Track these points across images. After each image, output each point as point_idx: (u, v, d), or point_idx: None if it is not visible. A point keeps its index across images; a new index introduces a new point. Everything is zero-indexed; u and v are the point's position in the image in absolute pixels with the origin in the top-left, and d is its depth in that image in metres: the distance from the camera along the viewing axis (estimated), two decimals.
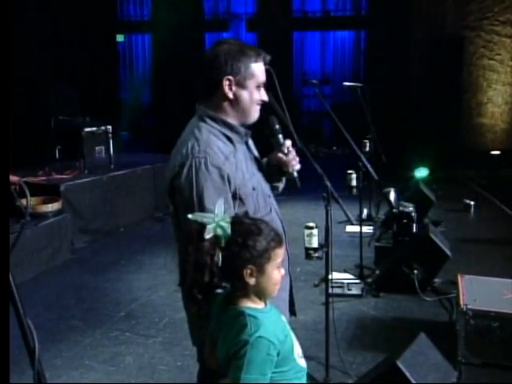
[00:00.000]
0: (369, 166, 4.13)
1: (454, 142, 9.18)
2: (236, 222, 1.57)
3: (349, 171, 5.72)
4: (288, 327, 1.67)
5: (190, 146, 1.83)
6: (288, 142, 2.06)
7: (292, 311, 2.19)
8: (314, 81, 4.81)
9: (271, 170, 2.11)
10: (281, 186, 2.21)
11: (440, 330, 3.72)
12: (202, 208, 1.74)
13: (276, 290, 1.62)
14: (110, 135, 6.74)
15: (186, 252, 1.53)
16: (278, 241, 1.60)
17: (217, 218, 1.53)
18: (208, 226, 1.51)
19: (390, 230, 4.99)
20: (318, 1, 10.33)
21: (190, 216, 1.55)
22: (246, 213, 1.87)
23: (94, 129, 6.62)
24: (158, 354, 3.58)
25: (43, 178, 5.98)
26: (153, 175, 6.95)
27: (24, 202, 1.71)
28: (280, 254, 1.61)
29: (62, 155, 6.59)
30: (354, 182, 5.84)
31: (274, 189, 2.18)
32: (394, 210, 4.90)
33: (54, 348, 3.65)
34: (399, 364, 2.59)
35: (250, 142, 2.09)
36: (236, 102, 1.89)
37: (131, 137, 10.53)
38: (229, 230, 1.53)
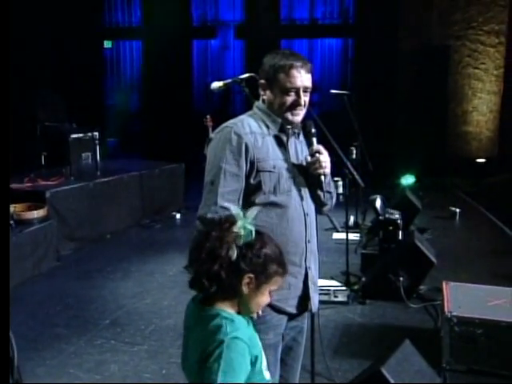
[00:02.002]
0: (355, 173, 4.13)
1: (440, 149, 9.27)
2: (261, 232, 1.64)
3: (335, 178, 5.75)
4: (257, 337, 1.67)
5: (229, 120, 2.15)
6: (318, 147, 2.15)
7: (305, 307, 2.15)
8: None
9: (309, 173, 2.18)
10: (320, 193, 2.21)
11: (425, 336, 3.74)
12: (216, 165, 2.02)
13: (255, 313, 1.66)
14: (97, 141, 6.69)
15: (208, 235, 1.56)
16: (283, 271, 1.66)
17: (244, 220, 1.59)
18: (238, 222, 1.57)
19: (376, 237, 5.02)
20: (306, 9, 10.39)
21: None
22: (260, 187, 2.02)
23: (81, 135, 6.58)
24: (144, 362, 3.55)
25: (29, 184, 5.92)
26: (140, 182, 6.92)
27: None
28: (278, 282, 1.65)
29: (48, 162, 6.53)
30: (340, 190, 5.89)
31: (317, 200, 2.21)
32: (380, 217, 4.93)
33: (38, 356, 3.60)
34: (384, 371, 2.59)
35: (296, 142, 2.19)
36: (267, 102, 2.15)
37: (118, 143, 10.49)
38: (252, 235, 1.58)
